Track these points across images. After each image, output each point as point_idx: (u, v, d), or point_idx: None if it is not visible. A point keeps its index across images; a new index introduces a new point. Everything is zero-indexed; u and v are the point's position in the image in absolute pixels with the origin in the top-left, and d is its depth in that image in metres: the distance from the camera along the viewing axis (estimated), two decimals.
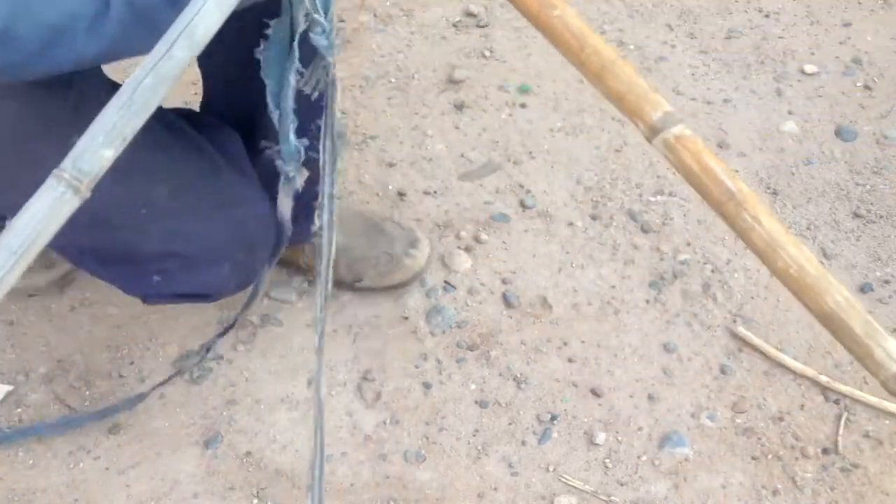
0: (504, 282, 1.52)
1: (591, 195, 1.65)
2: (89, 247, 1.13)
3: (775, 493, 1.31)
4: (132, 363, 1.41)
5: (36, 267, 1.39)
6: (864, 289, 1.53)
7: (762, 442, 1.36)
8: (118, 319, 1.45)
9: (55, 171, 0.65)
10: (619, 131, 1.76)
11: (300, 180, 1.01)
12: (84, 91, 1.00)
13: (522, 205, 1.63)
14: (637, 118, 0.76)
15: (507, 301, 1.50)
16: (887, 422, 1.37)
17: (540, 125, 1.76)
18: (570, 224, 1.61)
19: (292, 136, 0.95)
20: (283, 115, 0.93)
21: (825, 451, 1.35)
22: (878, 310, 1.51)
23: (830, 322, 0.73)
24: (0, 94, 0.95)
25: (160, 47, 0.68)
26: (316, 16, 0.81)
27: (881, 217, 1.64)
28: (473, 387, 1.40)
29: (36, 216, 0.65)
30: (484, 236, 1.58)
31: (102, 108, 0.97)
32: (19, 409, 1.35)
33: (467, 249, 1.56)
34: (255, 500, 1.28)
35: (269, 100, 0.91)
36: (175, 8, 0.76)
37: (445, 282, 1.52)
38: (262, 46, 0.87)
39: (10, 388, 1.37)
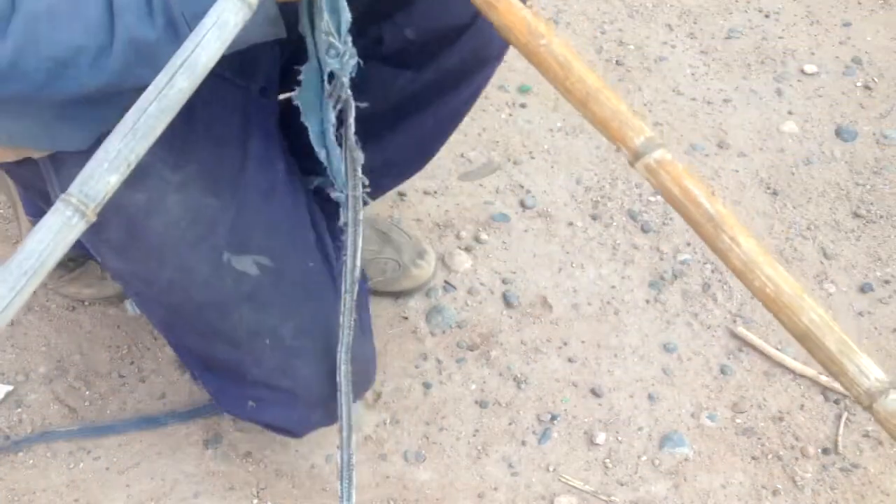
0: (504, 282, 1.52)
1: (591, 195, 1.65)
2: (201, 352, 1.15)
3: (775, 493, 1.31)
4: (132, 363, 1.41)
5: (108, 278, 1.43)
6: (864, 289, 1.53)
7: (762, 442, 1.36)
8: (118, 319, 1.45)
9: (63, 196, 0.67)
10: None
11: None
12: (244, 202, 1.06)
13: (522, 205, 1.63)
14: (620, 143, 0.78)
15: (507, 301, 1.50)
16: None
17: (540, 125, 1.76)
18: (570, 224, 1.61)
19: (343, 169, 0.99)
20: (330, 152, 0.96)
21: (825, 451, 1.35)
22: (878, 310, 1.51)
23: (806, 340, 0.76)
24: (166, 190, 1.01)
25: (163, 77, 0.69)
26: (331, 39, 0.83)
27: (881, 217, 1.64)
28: (473, 387, 1.40)
29: (45, 240, 0.66)
30: (484, 236, 1.58)
31: (260, 224, 1.04)
32: (19, 409, 1.35)
33: (467, 249, 1.56)
34: (255, 501, 1.28)
35: (313, 141, 0.94)
36: (176, 42, 0.78)
37: (445, 282, 1.52)
38: (296, 91, 0.89)
39: (10, 388, 1.37)
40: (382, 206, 1.60)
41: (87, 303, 1.46)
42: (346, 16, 0.82)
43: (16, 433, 1.33)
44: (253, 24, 0.75)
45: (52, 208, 0.66)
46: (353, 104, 0.91)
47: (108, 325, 1.44)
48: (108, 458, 1.31)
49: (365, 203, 1.02)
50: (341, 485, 1.20)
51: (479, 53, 1.17)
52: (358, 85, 1.15)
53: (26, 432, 1.33)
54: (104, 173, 0.67)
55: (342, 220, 1.02)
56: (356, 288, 1.07)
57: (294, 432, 1.19)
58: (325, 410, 1.16)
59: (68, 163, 1.02)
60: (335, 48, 0.84)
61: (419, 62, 1.15)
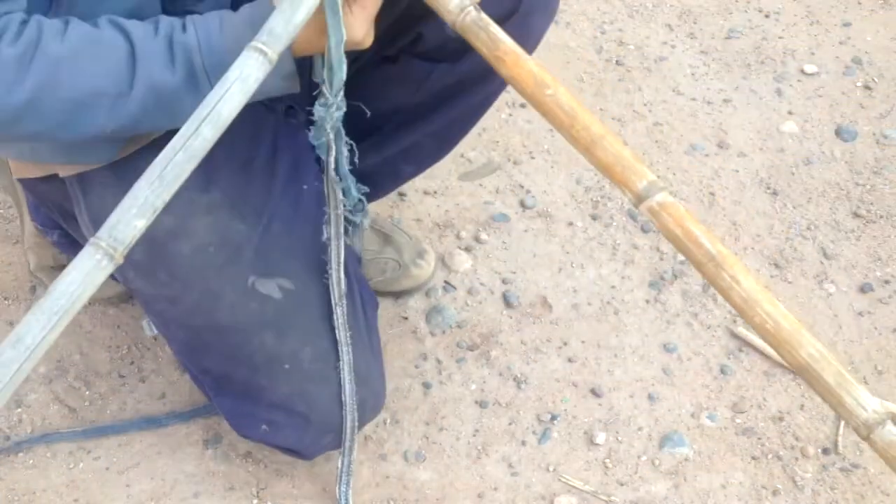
0: (504, 282, 1.52)
1: (591, 195, 1.65)
2: (219, 374, 1.16)
3: (775, 493, 1.31)
4: (132, 363, 1.41)
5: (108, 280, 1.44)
6: (864, 289, 1.53)
7: (762, 442, 1.36)
8: (118, 319, 1.45)
9: (92, 240, 0.70)
10: (619, 131, 1.76)
11: (366, 223, 1.11)
12: (270, 226, 1.08)
13: (522, 205, 1.63)
14: (624, 187, 0.82)
15: (507, 301, 1.50)
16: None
17: (540, 125, 1.76)
18: (570, 224, 1.61)
19: (354, 190, 1.05)
20: (343, 177, 1.02)
21: (825, 451, 1.35)
22: (878, 310, 1.51)
23: (805, 373, 0.79)
24: (194, 213, 1.04)
25: (188, 127, 0.73)
26: (324, 87, 0.88)
27: (881, 217, 1.64)
28: (473, 387, 1.40)
29: (75, 281, 0.70)
30: (484, 236, 1.58)
31: (285, 248, 1.08)
32: (19, 409, 1.35)
33: (467, 249, 1.56)
34: (255, 501, 1.28)
35: (329, 169, 1.01)
36: (196, 92, 0.83)
37: (445, 282, 1.52)
38: (311, 132, 0.95)
39: None
40: (383, 206, 1.60)
41: (87, 303, 1.46)
42: (342, 75, 0.88)
43: (16, 433, 1.33)
44: (271, 79, 0.78)
45: (82, 252, 0.70)
46: (334, 147, 0.97)
47: (108, 325, 1.44)
48: (108, 458, 1.31)
49: (354, 221, 1.09)
50: (339, 489, 1.24)
51: (517, 41, 1.18)
52: (393, 78, 1.18)
53: (26, 432, 1.33)
54: (132, 218, 0.71)
55: (325, 235, 1.06)
56: (344, 301, 1.10)
57: (304, 455, 1.21)
58: (336, 434, 1.17)
59: (96, 184, 1.03)
60: (325, 97, 0.89)
61: (456, 55, 1.16)
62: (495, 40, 0.84)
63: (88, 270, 0.70)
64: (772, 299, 0.79)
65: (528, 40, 1.20)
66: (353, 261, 1.22)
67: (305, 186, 1.13)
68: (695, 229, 0.80)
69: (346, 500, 1.23)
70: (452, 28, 0.84)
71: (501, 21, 1.12)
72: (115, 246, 0.70)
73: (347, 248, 1.20)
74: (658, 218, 0.81)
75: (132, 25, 0.84)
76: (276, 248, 1.09)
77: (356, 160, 1.03)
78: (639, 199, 0.81)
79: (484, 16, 0.84)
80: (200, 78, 0.85)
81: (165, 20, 0.86)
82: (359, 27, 0.85)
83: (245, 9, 0.87)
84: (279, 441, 1.18)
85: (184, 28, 0.85)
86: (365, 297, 1.20)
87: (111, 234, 0.70)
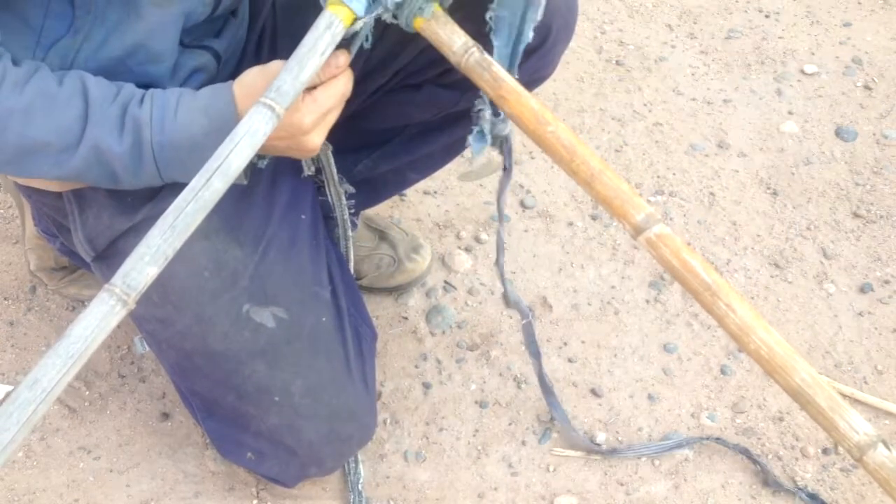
0: None
1: None
2: (205, 396, 1.16)
3: (775, 493, 1.30)
4: (132, 363, 1.41)
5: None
6: (864, 289, 1.53)
7: (762, 442, 1.36)
8: None
9: (106, 286, 0.73)
10: (619, 131, 1.76)
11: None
12: (267, 253, 1.09)
13: (522, 205, 1.63)
14: (623, 219, 0.85)
15: (507, 301, 1.50)
16: (887, 422, 1.37)
17: None
18: (570, 224, 1.61)
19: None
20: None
21: (825, 451, 1.35)
22: (878, 310, 1.51)
23: (799, 397, 0.82)
24: (191, 237, 1.06)
25: (199, 179, 0.77)
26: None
27: (881, 217, 1.64)
28: (473, 387, 1.40)
29: (90, 326, 0.72)
30: (484, 236, 1.58)
31: (281, 277, 1.10)
32: None
33: (467, 249, 1.56)
34: (255, 501, 1.28)
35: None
36: (138, 162, 0.89)
37: (445, 282, 1.52)
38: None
39: (10, 388, 1.37)
40: (383, 206, 1.59)
41: (86, 303, 1.46)
42: None
43: None
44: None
45: (97, 298, 0.73)
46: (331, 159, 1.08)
47: None
48: (108, 458, 1.31)
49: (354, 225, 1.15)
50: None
51: (536, 74, 1.19)
52: (421, 104, 1.21)
53: None
54: (144, 266, 0.75)
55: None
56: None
57: (286, 484, 1.22)
58: (320, 466, 1.18)
59: (92, 202, 1.04)
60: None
61: None
62: (498, 80, 0.87)
63: (103, 315, 0.73)
64: (766, 326, 0.82)
65: (550, 66, 1.21)
66: (353, 294, 1.22)
67: (303, 216, 1.13)
68: (691, 259, 0.82)
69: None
70: (457, 68, 0.87)
71: (529, 54, 1.13)
72: (129, 292, 0.73)
73: (347, 281, 1.21)
74: (655, 249, 0.83)
75: (94, 86, 0.88)
76: (272, 276, 1.09)
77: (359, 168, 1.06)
78: (637, 231, 0.84)
79: (487, 56, 0.87)
80: (145, 150, 0.89)
81: (128, 88, 0.90)
82: (308, 116, 0.90)
83: (204, 93, 0.91)
84: (263, 470, 1.19)
85: (141, 101, 0.89)
86: (363, 331, 1.22)
87: (124, 281, 0.73)
